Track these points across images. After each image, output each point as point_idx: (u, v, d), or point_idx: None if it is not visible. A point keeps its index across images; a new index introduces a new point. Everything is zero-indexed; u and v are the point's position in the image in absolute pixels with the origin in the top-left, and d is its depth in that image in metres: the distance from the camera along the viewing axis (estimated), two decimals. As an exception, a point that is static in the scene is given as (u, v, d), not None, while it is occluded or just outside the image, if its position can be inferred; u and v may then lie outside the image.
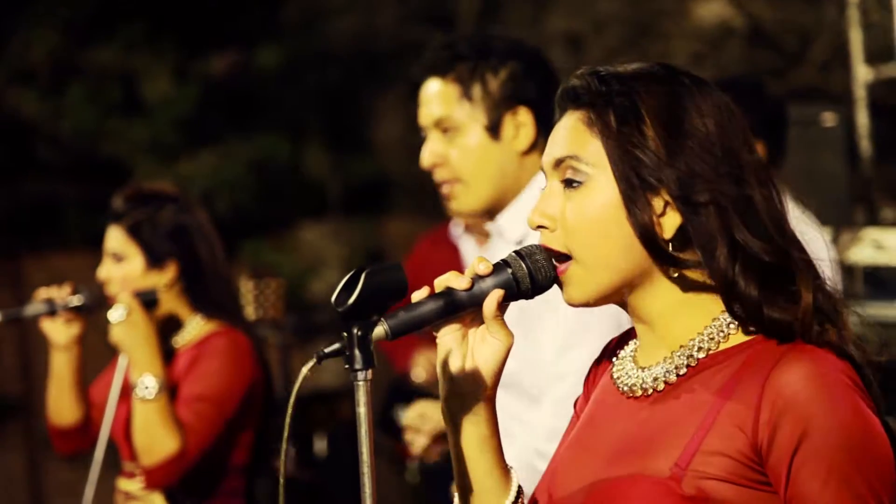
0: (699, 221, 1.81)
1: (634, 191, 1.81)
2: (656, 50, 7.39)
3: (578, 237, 1.83)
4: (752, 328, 1.82)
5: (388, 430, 5.73)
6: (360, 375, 1.74)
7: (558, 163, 1.86)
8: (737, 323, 1.83)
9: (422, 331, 1.82)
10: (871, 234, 4.61)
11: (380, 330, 1.76)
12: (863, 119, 5.54)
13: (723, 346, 1.83)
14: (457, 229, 5.20)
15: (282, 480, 1.79)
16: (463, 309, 1.83)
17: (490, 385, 1.86)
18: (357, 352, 1.73)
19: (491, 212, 3.05)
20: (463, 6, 8.38)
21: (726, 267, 1.80)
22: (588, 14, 7.86)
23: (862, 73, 5.57)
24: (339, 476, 6.18)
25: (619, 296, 1.86)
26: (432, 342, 1.89)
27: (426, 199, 8.83)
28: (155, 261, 3.57)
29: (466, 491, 1.90)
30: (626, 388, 1.88)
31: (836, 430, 1.74)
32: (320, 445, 6.32)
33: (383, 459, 5.91)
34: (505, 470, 1.90)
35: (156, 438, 3.41)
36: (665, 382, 1.84)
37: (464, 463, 1.88)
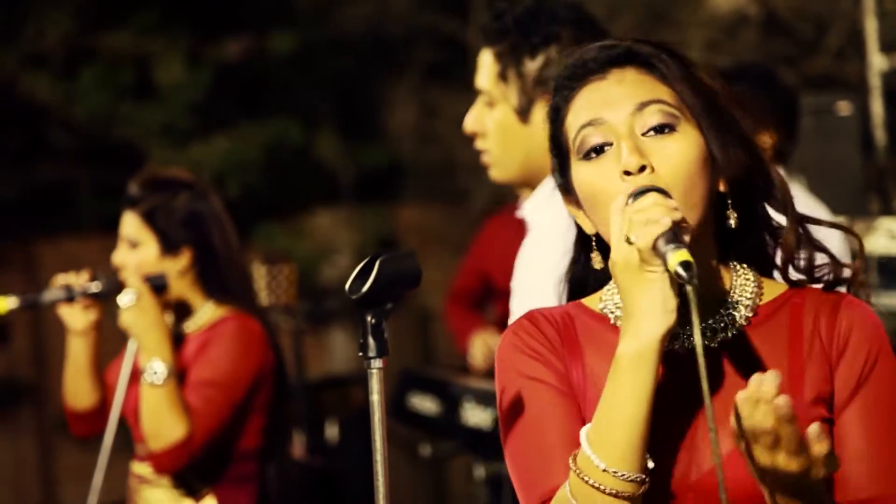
0: (767, 175, 1.97)
1: (720, 135, 1.92)
2: (671, 37, 7.35)
3: (678, 178, 1.89)
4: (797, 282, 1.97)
5: (401, 418, 5.73)
6: (374, 363, 1.73)
7: (643, 106, 1.92)
8: (757, 279, 1.97)
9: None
10: (886, 223, 4.58)
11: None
12: (878, 108, 5.51)
13: (766, 299, 1.96)
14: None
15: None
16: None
17: None
18: (371, 339, 1.72)
19: (526, 186, 3.06)
20: (477, -8, 8.36)
21: (791, 228, 1.97)
22: (602, 0, 7.83)
23: (877, 62, 5.54)
24: (350, 462, 6.18)
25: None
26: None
27: (438, 186, 8.84)
28: (169, 247, 3.58)
29: (622, 435, 1.82)
30: (676, 346, 1.92)
31: (892, 365, 1.92)
32: (332, 431, 6.32)
33: (395, 447, 5.90)
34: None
35: (164, 424, 3.41)
36: (732, 334, 1.92)
37: (641, 410, 1.81)
